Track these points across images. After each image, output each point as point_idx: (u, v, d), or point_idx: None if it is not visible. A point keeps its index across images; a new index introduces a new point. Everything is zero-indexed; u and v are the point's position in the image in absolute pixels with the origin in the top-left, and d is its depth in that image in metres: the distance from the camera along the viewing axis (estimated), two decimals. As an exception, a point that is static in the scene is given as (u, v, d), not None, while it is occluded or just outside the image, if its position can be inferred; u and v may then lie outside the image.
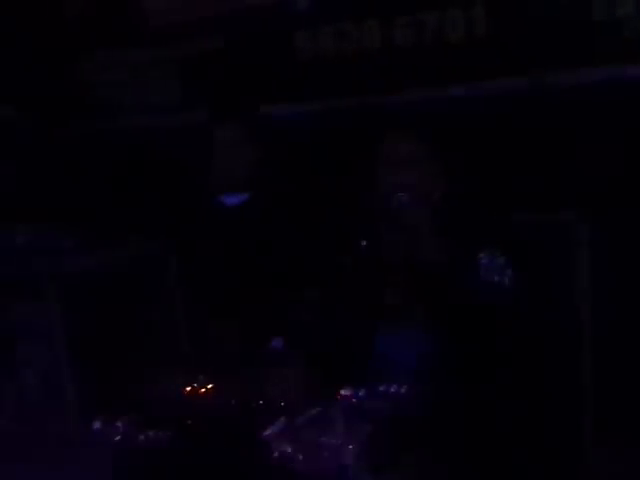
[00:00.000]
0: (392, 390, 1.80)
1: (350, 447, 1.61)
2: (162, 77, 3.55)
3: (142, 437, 1.80)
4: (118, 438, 1.81)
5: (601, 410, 2.34)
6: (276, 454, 1.68)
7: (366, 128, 2.22)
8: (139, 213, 3.06)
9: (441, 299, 1.97)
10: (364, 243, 2.14)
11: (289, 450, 1.67)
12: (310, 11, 3.12)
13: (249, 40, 3.28)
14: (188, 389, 1.94)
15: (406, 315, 2.06)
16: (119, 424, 1.83)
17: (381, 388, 1.81)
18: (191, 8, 3.39)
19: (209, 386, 1.95)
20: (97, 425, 1.84)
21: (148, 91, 3.60)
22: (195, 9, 3.39)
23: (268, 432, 1.72)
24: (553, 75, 2.73)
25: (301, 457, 1.66)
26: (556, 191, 2.71)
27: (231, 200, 2.73)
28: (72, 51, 3.69)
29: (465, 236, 2.00)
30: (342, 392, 1.80)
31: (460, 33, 2.84)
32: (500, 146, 2.79)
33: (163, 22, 3.47)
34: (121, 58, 3.62)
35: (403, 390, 1.79)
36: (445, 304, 1.96)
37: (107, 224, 2.68)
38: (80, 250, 2.31)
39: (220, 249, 2.65)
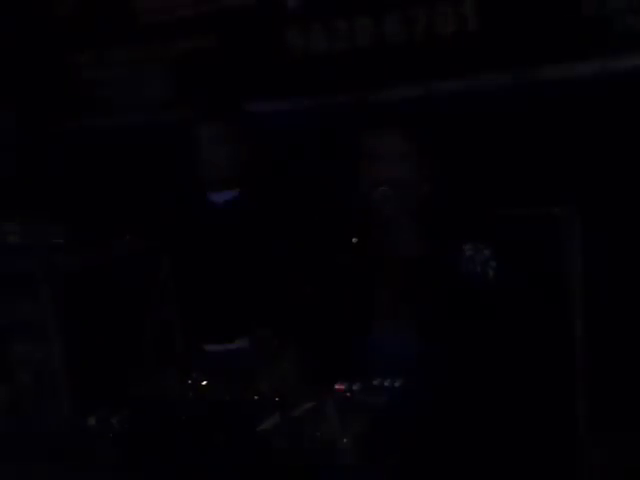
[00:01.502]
0: (386, 384, 1.81)
1: (345, 441, 1.61)
2: (153, 75, 3.55)
3: (136, 434, 1.80)
4: (113, 435, 1.81)
5: (595, 401, 2.35)
6: (271, 449, 1.68)
7: (355, 125, 2.24)
8: (131, 211, 3.06)
9: (428, 292, 1.98)
10: (355, 240, 2.15)
11: (284, 445, 1.68)
12: (301, 8, 3.14)
13: (240, 38, 3.29)
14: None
15: (397, 309, 2.07)
16: (114, 421, 1.84)
17: (375, 382, 1.81)
18: (182, 6, 3.40)
19: (203, 383, 1.95)
20: (92, 422, 1.84)
21: (138, 89, 3.60)
22: (185, 7, 3.39)
23: (263, 427, 1.72)
24: (542, 70, 2.75)
25: (296, 451, 1.66)
26: (545, 186, 2.72)
27: (222, 197, 2.74)
28: (64, 49, 3.68)
29: (450, 229, 2.01)
30: (336, 386, 1.81)
31: (450, 29, 2.86)
32: (489, 140, 2.80)
33: (154, 20, 3.47)
34: (111, 56, 3.62)
35: (397, 384, 1.80)
36: (431, 296, 1.97)
37: (100, 222, 2.69)
38: (74, 248, 2.32)
39: (211, 246, 2.65)
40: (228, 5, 3.29)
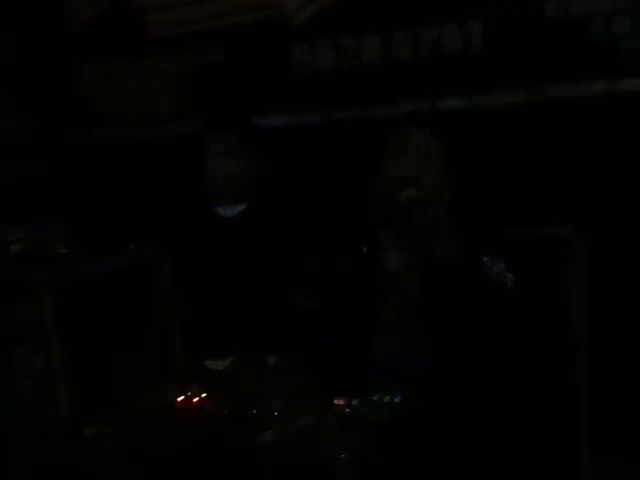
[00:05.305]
0: (386, 400, 1.80)
1: (343, 456, 1.60)
2: (161, 88, 3.57)
3: (134, 445, 1.80)
4: (110, 445, 1.81)
5: (597, 421, 2.34)
6: (269, 464, 1.67)
7: (365, 138, 2.25)
8: (137, 221, 3.07)
9: (441, 300, 1.97)
10: (364, 250, 2.15)
11: (282, 460, 1.67)
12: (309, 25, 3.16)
13: (248, 53, 3.31)
14: (181, 398, 1.93)
15: (404, 322, 2.06)
16: (112, 431, 1.83)
17: (375, 398, 1.81)
18: (192, 22, 3.42)
19: (202, 395, 1.95)
20: (90, 431, 1.84)
21: (147, 101, 3.62)
22: (195, 23, 3.41)
23: (261, 442, 1.71)
24: (550, 88, 2.76)
25: (294, 467, 1.65)
26: (553, 205, 2.72)
27: (228, 210, 2.74)
28: (73, 61, 3.71)
29: (469, 239, 2.01)
30: (336, 401, 1.80)
31: (457, 47, 2.87)
32: (493, 157, 2.81)
33: (164, 34, 3.50)
34: (120, 69, 3.64)
35: (398, 400, 1.79)
36: (445, 305, 1.96)
37: (105, 231, 2.69)
38: (77, 257, 2.32)
39: (216, 258, 2.65)
40: (237, 21, 3.31)
